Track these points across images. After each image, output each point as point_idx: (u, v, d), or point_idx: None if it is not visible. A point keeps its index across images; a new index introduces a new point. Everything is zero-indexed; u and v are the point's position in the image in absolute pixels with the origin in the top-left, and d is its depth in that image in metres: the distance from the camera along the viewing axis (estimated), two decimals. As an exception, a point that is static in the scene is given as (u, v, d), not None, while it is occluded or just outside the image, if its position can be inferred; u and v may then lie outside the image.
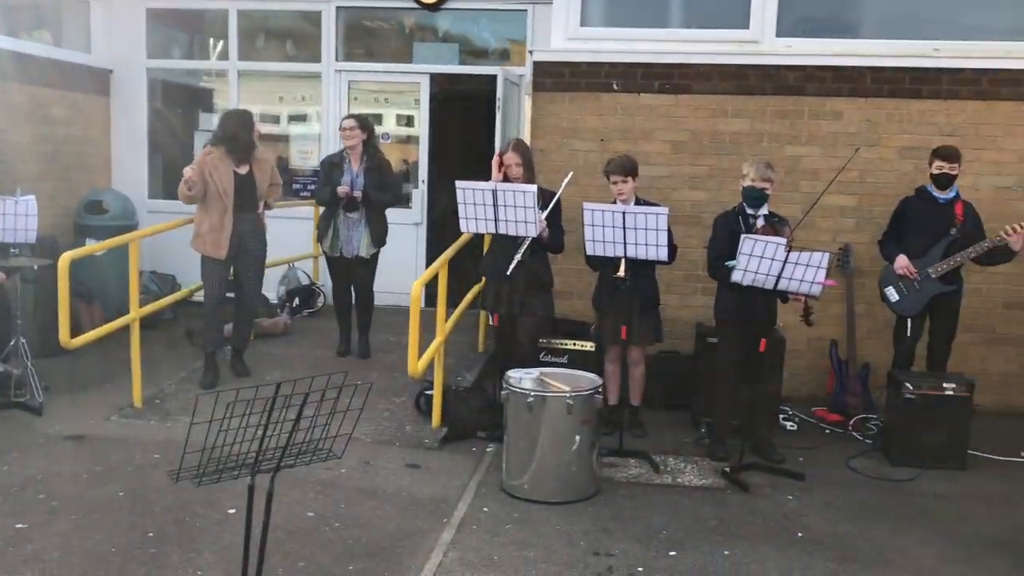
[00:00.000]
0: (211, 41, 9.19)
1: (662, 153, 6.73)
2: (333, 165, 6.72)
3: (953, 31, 6.56)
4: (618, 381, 5.84)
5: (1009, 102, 6.38)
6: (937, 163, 5.66)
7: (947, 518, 4.75)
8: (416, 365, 5.06)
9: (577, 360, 6.09)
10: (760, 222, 5.45)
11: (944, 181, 5.67)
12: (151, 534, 4.17)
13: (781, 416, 6.18)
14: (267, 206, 6.40)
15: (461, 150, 10.33)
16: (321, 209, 7.03)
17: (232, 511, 4.40)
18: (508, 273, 5.43)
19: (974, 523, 4.69)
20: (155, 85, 9.17)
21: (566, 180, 5.51)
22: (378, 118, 9.18)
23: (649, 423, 5.98)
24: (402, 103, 9.16)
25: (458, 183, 5.40)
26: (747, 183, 5.39)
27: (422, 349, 5.25)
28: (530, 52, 7.00)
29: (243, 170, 6.15)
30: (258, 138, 6.28)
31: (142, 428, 5.61)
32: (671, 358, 6.54)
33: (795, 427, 6.16)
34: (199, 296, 6.59)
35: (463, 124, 10.50)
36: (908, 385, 5.46)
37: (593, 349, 6.16)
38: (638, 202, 5.62)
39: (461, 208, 5.41)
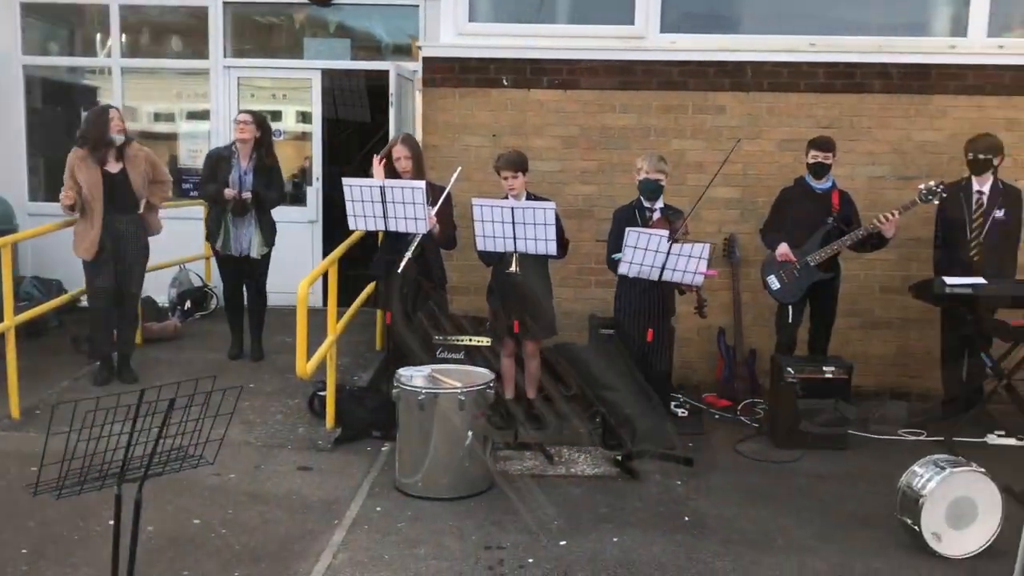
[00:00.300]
0: (98, 37, 8.87)
1: (553, 148, 6.80)
2: (220, 159, 6.56)
3: (828, 26, 6.79)
4: (513, 375, 5.88)
5: (881, 94, 6.64)
6: (812, 152, 5.88)
7: (827, 497, 4.93)
8: (304, 366, 5.00)
9: (473, 355, 6.09)
10: (656, 215, 5.60)
11: (820, 170, 5.88)
12: (24, 551, 4.01)
13: (672, 403, 6.32)
14: (151, 205, 6.20)
15: (361, 146, 10.24)
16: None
17: (113, 522, 4.26)
18: (400, 271, 5.40)
19: (852, 501, 4.88)
20: (33, 83, 8.81)
21: (454, 175, 5.51)
22: (277, 115, 9.02)
23: (545, 415, 6.03)
24: (300, 100, 9.00)
25: (345, 180, 5.35)
26: (642, 176, 5.56)
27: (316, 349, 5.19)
28: (419, 47, 6.97)
29: (115, 168, 5.98)
30: (118, 132, 5.99)
31: (19, 440, 5.37)
32: (567, 350, 6.60)
33: (686, 413, 6.30)
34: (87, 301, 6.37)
35: (364, 120, 10.41)
36: (789, 369, 5.65)
37: (489, 344, 6.17)
38: (529, 197, 5.67)
39: (349, 205, 5.36)
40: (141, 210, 6.13)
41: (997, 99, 6.60)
